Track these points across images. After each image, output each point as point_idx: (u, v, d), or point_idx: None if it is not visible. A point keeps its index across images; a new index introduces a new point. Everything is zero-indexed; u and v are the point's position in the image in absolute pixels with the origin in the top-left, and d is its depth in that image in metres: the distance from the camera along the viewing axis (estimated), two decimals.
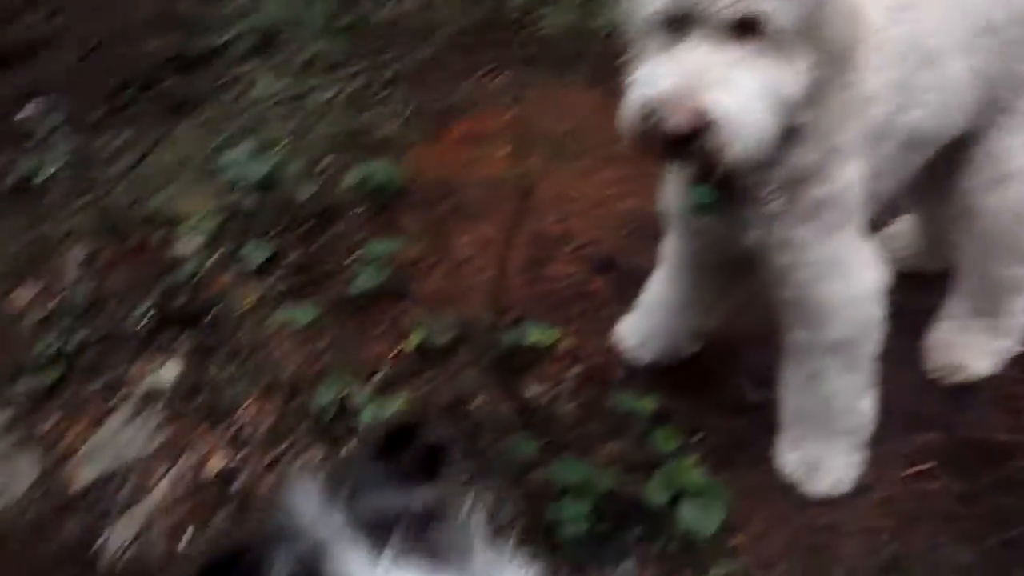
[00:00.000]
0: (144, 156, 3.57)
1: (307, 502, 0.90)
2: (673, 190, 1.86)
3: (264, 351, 2.43)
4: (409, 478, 0.96)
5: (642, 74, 1.41)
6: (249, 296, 2.61)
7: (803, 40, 1.39)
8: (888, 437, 2.03)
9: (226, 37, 4.34)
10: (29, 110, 4.02)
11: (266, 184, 2.74)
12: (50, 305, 2.83)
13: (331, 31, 4.01)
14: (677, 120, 1.33)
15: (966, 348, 2.11)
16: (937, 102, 1.68)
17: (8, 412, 2.54)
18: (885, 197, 1.87)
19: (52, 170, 3.51)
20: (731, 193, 1.63)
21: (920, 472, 1.97)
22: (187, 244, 2.87)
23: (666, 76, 1.37)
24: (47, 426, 2.46)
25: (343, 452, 2.15)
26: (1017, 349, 2.12)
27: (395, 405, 2.09)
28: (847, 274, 1.74)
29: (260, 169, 2.70)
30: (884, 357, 1.95)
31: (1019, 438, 2.01)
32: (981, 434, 2.03)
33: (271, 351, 2.43)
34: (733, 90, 1.35)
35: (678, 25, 1.39)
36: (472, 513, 0.97)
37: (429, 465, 0.99)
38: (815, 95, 1.47)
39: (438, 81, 3.56)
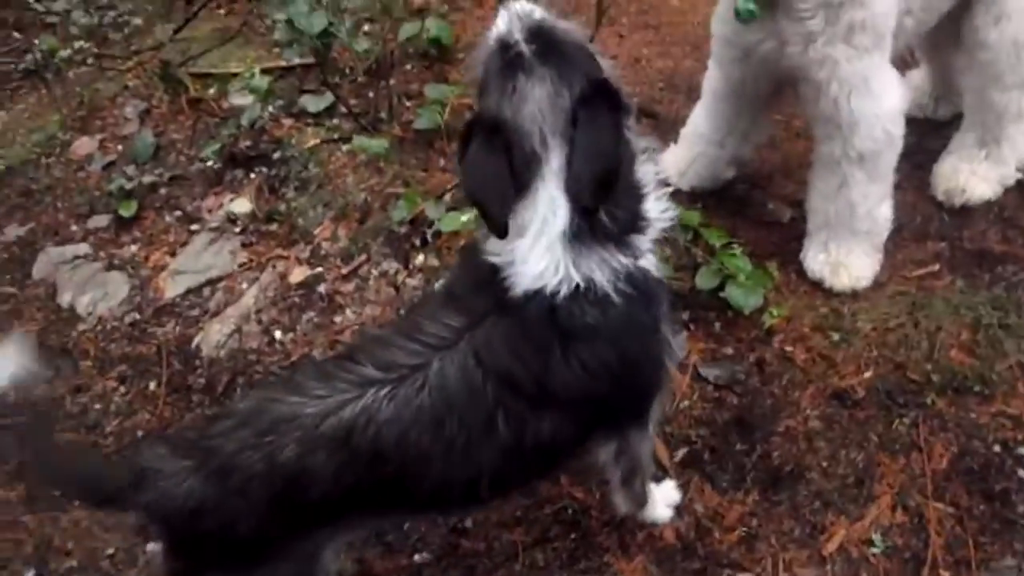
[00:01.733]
0: (180, 28, 3.84)
1: None
2: (723, 13, 2.21)
3: (334, 181, 2.76)
4: None
5: None
6: (312, 138, 2.93)
7: None
8: (900, 248, 2.45)
9: None
10: None
11: (323, 38, 3.02)
12: (114, 153, 3.13)
13: None
14: None
15: (970, 175, 2.52)
16: None
17: (87, 244, 2.84)
18: (910, 33, 2.24)
19: (78, 45, 3.78)
20: (773, 3, 1.99)
21: (928, 273, 2.37)
22: (243, 97, 3.17)
23: None
24: (129, 252, 2.78)
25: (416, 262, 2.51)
26: (1015, 177, 2.53)
27: (467, 218, 2.43)
28: (874, 92, 2.11)
29: (318, 23, 2.98)
30: (899, 185, 2.35)
31: (1012, 249, 2.42)
32: (980, 245, 2.44)
33: (341, 181, 2.76)
34: None
35: None
36: None
37: None
38: None
39: None
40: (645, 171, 1.46)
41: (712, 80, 2.44)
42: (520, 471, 1.52)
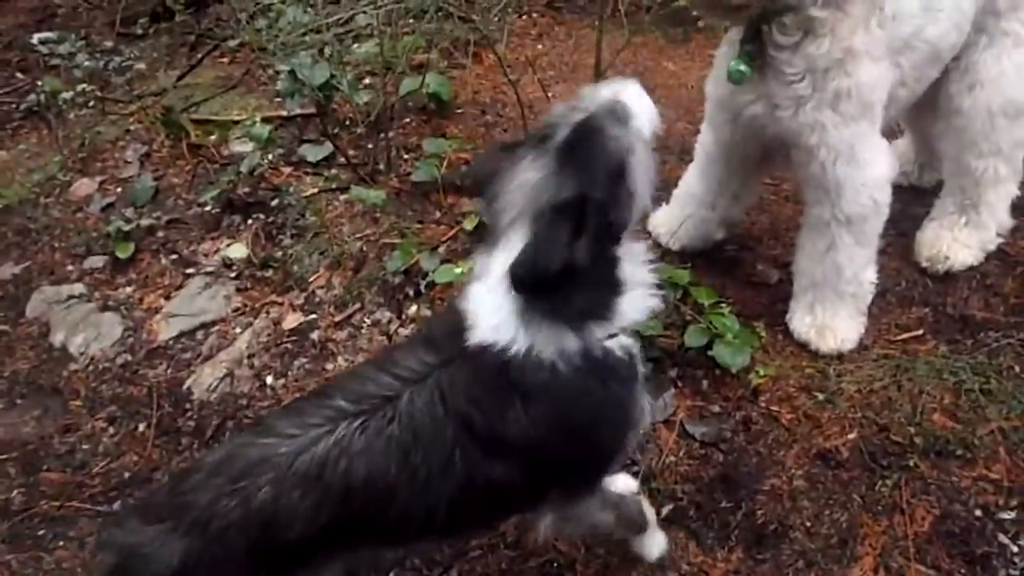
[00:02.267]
0: (183, 75, 3.92)
1: None
2: (718, 75, 2.29)
3: (331, 230, 2.82)
4: None
5: None
6: (310, 187, 2.99)
7: None
8: (884, 312, 2.51)
9: None
10: (44, 36, 4.37)
11: (324, 90, 3.10)
12: (113, 195, 3.18)
13: None
14: None
15: (952, 241, 2.59)
16: (951, 22, 2.16)
17: (82, 284, 2.87)
18: (903, 104, 2.33)
19: (81, 88, 3.86)
20: (763, 67, 2.07)
21: (911, 337, 2.43)
22: (243, 144, 3.24)
23: None
24: (124, 294, 2.82)
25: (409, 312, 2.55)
26: (996, 243, 2.60)
27: (461, 270, 2.48)
28: (860, 160, 2.19)
29: (320, 75, 3.06)
30: (884, 250, 2.43)
31: (994, 315, 2.48)
32: (963, 311, 2.50)
33: (338, 230, 2.81)
34: None
35: None
36: None
37: None
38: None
39: (465, 16, 3.96)
40: (632, 272, 1.51)
41: (705, 142, 2.52)
42: (474, 509, 1.54)
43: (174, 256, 2.91)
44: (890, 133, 2.69)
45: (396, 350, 1.74)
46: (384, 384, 1.47)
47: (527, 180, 1.42)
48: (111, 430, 2.43)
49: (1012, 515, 2.01)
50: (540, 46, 3.87)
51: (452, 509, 1.47)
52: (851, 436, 2.17)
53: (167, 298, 2.79)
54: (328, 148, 3.10)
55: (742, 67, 2.08)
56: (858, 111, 2.14)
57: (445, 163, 2.94)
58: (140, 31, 4.54)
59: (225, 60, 4.08)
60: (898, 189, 2.38)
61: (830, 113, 2.10)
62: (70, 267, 2.97)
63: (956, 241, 2.58)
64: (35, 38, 4.32)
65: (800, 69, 2.05)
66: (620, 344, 1.52)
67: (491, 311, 1.44)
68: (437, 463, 1.44)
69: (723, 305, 2.36)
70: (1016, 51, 2.31)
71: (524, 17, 4.01)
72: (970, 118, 2.39)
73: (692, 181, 2.62)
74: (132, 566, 1.39)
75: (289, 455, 1.40)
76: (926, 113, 2.66)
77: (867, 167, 2.19)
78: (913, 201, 2.75)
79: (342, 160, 3.06)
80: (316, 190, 2.99)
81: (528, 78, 3.44)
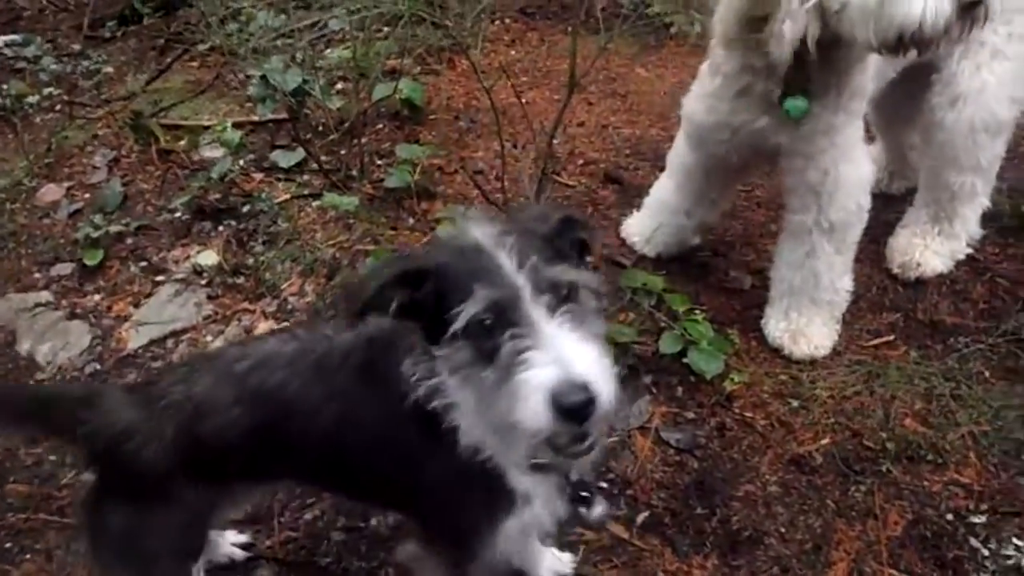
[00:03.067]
0: (153, 79, 3.89)
1: (495, 255, 1.21)
2: (710, 105, 2.26)
3: (303, 237, 2.80)
4: (571, 260, 1.30)
5: None
6: (283, 193, 2.97)
7: None
8: (857, 318, 2.54)
9: None
10: (9, 39, 4.32)
11: (297, 95, 3.09)
12: (81, 201, 3.14)
13: None
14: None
15: (924, 249, 2.62)
16: None
17: (49, 292, 2.83)
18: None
19: (47, 91, 3.82)
20: (814, 97, 2.05)
21: (883, 343, 2.46)
22: (213, 150, 3.21)
23: None
24: (92, 302, 2.78)
25: None
26: (966, 251, 2.64)
27: None
28: (857, 159, 2.21)
29: (292, 80, 3.05)
30: (856, 258, 2.45)
31: (964, 320, 2.52)
32: (933, 317, 2.53)
33: (310, 236, 2.80)
34: None
35: None
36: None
37: (580, 251, 1.35)
38: None
39: (438, 22, 3.96)
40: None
41: (684, 157, 2.51)
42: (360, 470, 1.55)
43: (144, 263, 2.87)
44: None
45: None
46: (320, 335, 1.55)
47: None
48: None
49: (983, 519, 2.03)
50: (513, 52, 3.88)
51: (339, 454, 1.51)
52: (824, 442, 2.19)
53: (136, 306, 2.75)
54: (300, 154, 3.08)
55: (799, 102, 2.04)
56: (861, 107, 2.17)
57: (418, 169, 2.93)
58: (108, 34, 4.50)
59: (195, 64, 4.05)
60: (871, 196, 2.41)
61: (843, 115, 2.12)
62: (37, 274, 2.92)
63: (928, 249, 2.61)
64: None
65: (835, 80, 2.06)
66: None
67: None
68: (330, 410, 1.47)
69: (697, 312, 2.38)
70: (995, 63, 2.33)
71: (497, 23, 4.01)
72: (952, 134, 2.40)
73: (667, 192, 2.62)
74: (91, 415, 1.51)
75: (236, 356, 1.54)
76: (900, 122, 2.70)
77: (860, 167, 2.22)
78: (884, 208, 2.77)
79: (315, 166, 3.05)
80: (288, 196, 2.97)
81: (501, 84, 3.44)
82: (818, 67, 2.00)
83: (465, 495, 1.46)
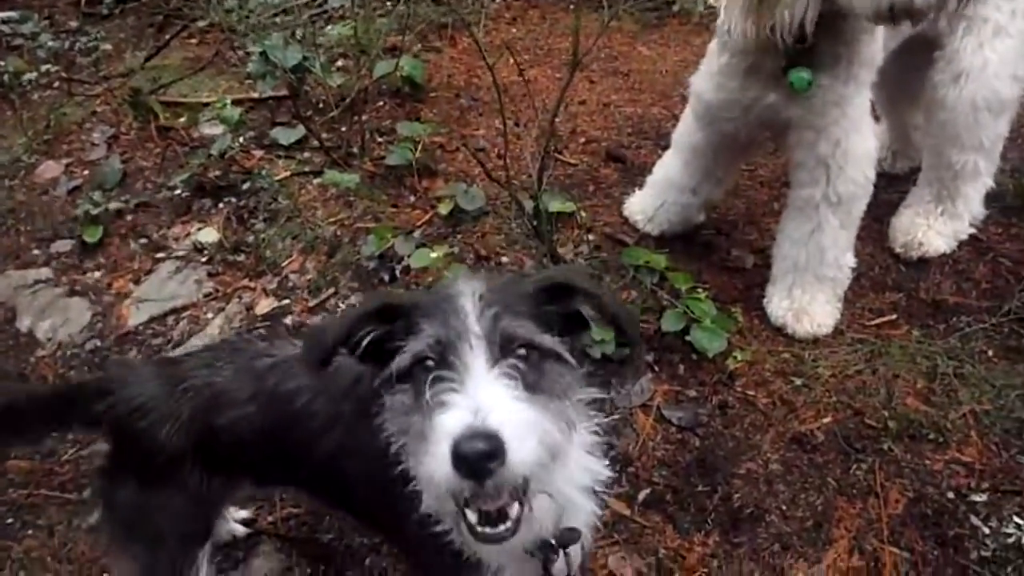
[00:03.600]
0: (151, 56, 3.86)
1: (462, 301, 1.14)
2: (718, 83, 2.25)
3: (304, 214, 2.79)
4: (547, 325, 1.17)
5: None
6: (283, 170, 2.96)
7: None
8: (859, 297, 2.53)
9: None
10: (6, 15, 4.28)
11: (297, 72, 3.07)
12: (80, 178, 3.12)
13: None
14: None
15: (927, 229, 2.61)
16: None
17: (49, 269, 2.82)
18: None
19: (45, 68, 3.80)
20: (822, 69, 2.05)
21: (885, 322, 2.45)
22: (213, 127, 3.19)
23: None
24: (92, 279, 2.77)
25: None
26: (968, 231, 2.63)
27: (437, 255, 2.47)
28: (866, 131, 2.21)
29: (292, 57, 3.03)
30: (858, 236, 2.44)
31: (966, 300, 2.51)
32: (935, 296, 2.53)
33: (311, 213, 2.78)
34: None
35: None
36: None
37: (567, 326, 1.21)
38: None
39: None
40: None
41: (692, 135, 2.49)
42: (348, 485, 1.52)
43: (144, 240, 2.86)
44: None
45: None
46: None
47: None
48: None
49: (984, 497, 2.04)
50: (514, 30, 3.85)
51: (338, 477, 1.48)
52: (826, 420, 2.19)
53: (137, 283, 2.74)
54: (301, 131, 3.07)
55: (804, 74, 2.04)
56: (870, 76, 2.16)
57: (419, 147, 2.92)
58: (106, 11, 4.46)
59: (194, 41, 4.02)
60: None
61: (852, 84, 2.11)
62: (36, 251, 2.91)
63: (931, 229, 2.60)
64: None
65: (844, 50, 2.06)
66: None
67: None
68: (343, 430, 1.44)
69: (700, 290, 2.37)
70: (997, 40, 2.32)
71: (499, 1, 3.98)
72: (954, 112, 2.39)
73: (672, 170, 2.60)
74: (110, 394, 1.52)
75: (257, 354, 1.53)
76: (904, 101, 2.68)
77: (868, 139, 2.22)
78: (887, 187, 2.77)
79: (315, 143, 3.03)
80: (288, 174, 2.95)
81: (503, 62, 3.42)
82: (825, 39, 1.99)
83: (436, 555, 1.35)
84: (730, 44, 2.16)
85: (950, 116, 2.41)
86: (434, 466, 1.04)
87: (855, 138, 2.15)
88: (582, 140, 3.09)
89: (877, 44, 2.11)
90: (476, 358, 1.10)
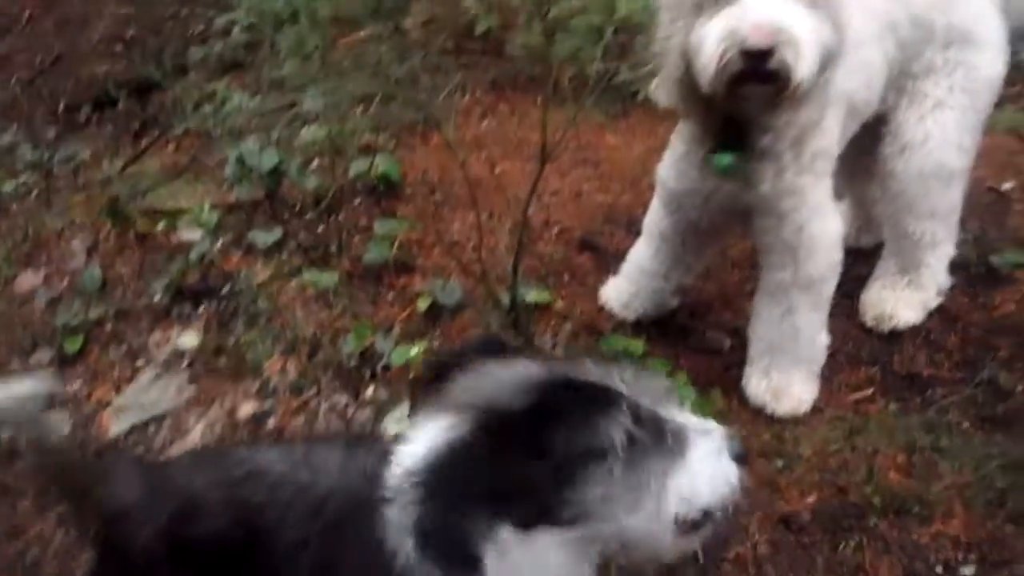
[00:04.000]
0: (128, 164, 3.92)
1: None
2: (677, 167, 2.35)
3: (284, 315, 2.81)
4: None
5: (715, 22, 1.88)
6: (262, 272, 3.00)
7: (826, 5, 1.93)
8: (835, 373, 2.57)
9: (191, 59, 4.74)
10: None
11: (273, 175, 3.14)
12: (59, 287, 3.15)
13: (300, 53, 4.41)
14: (758, 37, 1.82)
15: (896, 301, 2.68)
16: (862, 77, 2.27)
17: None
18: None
19: (23, 179, 3.86)
20: (752, 151, 2.13)
21: (863, 397, 2.49)
22: (192, 232, 3.24)
23: (745, 12, 1.85)
24: (72, 389, 2.77)
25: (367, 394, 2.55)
26: (937, 301, 2.70)
27: (417, 351, 2.50)
28: (829, 216, 2.28)
29: (268, 161, 3.10)
30: (831, 313, 2.50)
31: (940, 372, 2.56)
32: (910, 369, 2.58)
33: (291, 314, 2.81)
34: (798, 22, 1.86)
35: None
36: None
37: None
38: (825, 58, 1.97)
39: (412, 98, 4.04)
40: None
41: (660, 223, 2.56)
42: None
43: (124, 348, 2.87)
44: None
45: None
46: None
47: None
48: (62, 531, 2.36)
49: (972, 569, 2.05)
50: (485, 124, 3.95)
51: None
52: (811, 500, 2.20)
53: (117, 391, 2.75)
54: (279, 233, 3.11)
55: (728, 159, 2.13)
56: (828, 167, 2.25)
57: (396, 243, 2.97)
58: (83, 119, 4.55)
59: (171, 147, 4.09)
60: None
61: (808, 175, 2.19)
62: (16, 363, 2.90)
63: (900, 301, 2.67)
64: None
65: (785, 140, 2.13)
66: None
67: None
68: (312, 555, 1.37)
69: (678, 375, 2.40)
70: (938, 113, 2.43)
71: (469, 96, 4.09)
72: (905, 182, 2.49)
73: (644, 257, 2.67)
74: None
75: (234, 460, 1.49)
76: (862, 177, 2.77)
77: (832, 223, 2.29)
78: (855, 262, 2.82)
79: (293, 244, 3.07)
80: (268, 276, 2.99)
81: (476, 156, 3.52)
82: (765, 129, 2.08)
83: None
84: (686, 133, 2.25)
85: (902, 187, 2.50)
86: None
87: (818, 223, 2.22)
88: (556, 230, 3.16)
89: (830, 138, 2.18)
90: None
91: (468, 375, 1.25)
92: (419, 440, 1.26)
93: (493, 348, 1.33)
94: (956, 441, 2.31)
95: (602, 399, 1.18)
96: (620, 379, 1.21)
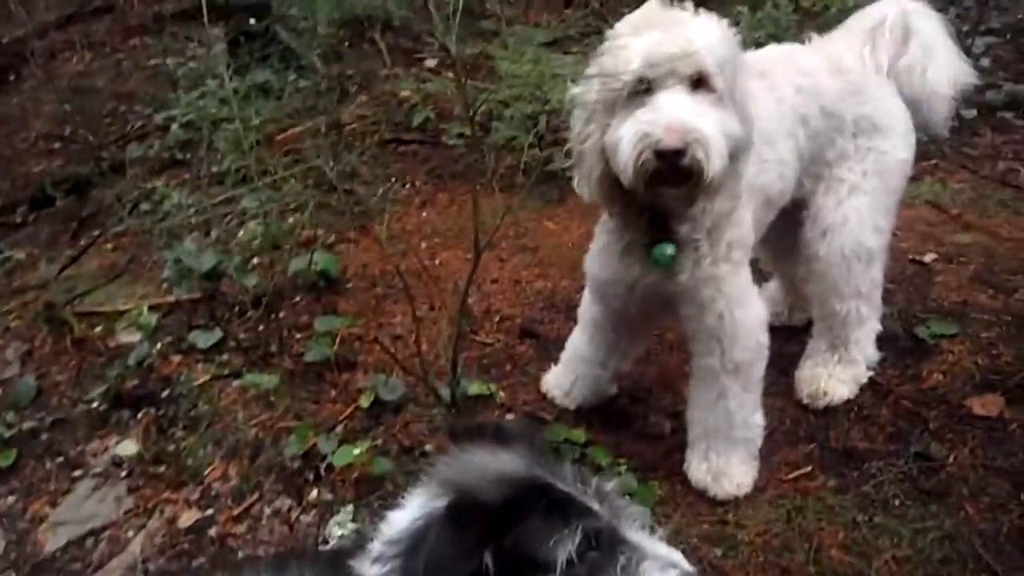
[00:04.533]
0: (66, 267, 3.90)
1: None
2: (603, 259, 2.42)
3: (225, 418, 2.79)
4: None
5: (628, 125, 1.96)
6: (202, 375, 2.98)
7: (731, 101, 2.03)
8: (774, 452, 2.62)
9: (129, 156, 4.75)
10: None
11: (211, 276, 3.15)
12: None
13: (239, 149, 4.45)
14: (671, 139, 1.90)
15: (828, 378, 2.75)
16: (776, 171, 2.38)
17: None
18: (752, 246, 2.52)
19: None
20: (678, 244, 2.21)
21: (802, 474, 2.54)
22: (130, 335, 3.22)
23: (656, 115, 1.94)
24: (6, 504, 2.70)
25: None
26: (868, 375, 2.78)
27: (360, 450, 2.50)
28: (749, 302, 2.35)
29: (207, 262, 3.11)
30: (767, 391, 2.56)
31: (873, 445, 2.62)
32: (845, 445, 2.63)
33: (232, 417, 2.79)
34: (706, 120, 1.95)
35: (646, 86, 1.97)
36: None
37: None
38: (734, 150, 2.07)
39: (355, 187, 4.10)
40: None
41: (593, 313, 2.63)
42: None
43: (60, 459, 2.82)
44: (760, 278, 2.89)
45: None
46: None
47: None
48: None
49: None
50: (424, 214, 4.02)
51: None
52: None
53: (53, 505, 2.69)
54: (219, 334, 3.11)
55: (667, 249, 2.19)
56: (745, 256, 2.32)
57: (338, 340, 2.98)
58: (19, 220, 4.52)
59: (109, 246, 4.08)
60: (773, 330, 2.53)
61: (725, 264, 2.26)
62: None
63: (832, 377, 2.74)
64: None
65: (703, 232, 2.21)
66: None
67: None
68: None
69: (620, 463, 2.43)
70: (854, 197, 2.54)
71: (408, 187, 4.16)
72: (827, 264, 2.59)
73: (581, 346, 2.71)
74: None
75: None
76: (789, 258, 2.87)
77: (754, 308, 2.35)
78: (788, 340, 2.91)
79: (233, 344, 3.07)
80: (208, 378, 2.97)
81: (416, 246, 3.57)
82: (682, 221, 2.17)
83: None
84: (608, 224, 2.32)
85: (825, 269, 2.60)
86: None
87: (739, 310, 2.29)
88: (497, 319, 3.20)
89: (744, 227, 2.27)
90: None
91: (460, 456, 1.33)
92: (408, 508, 1.30)
93: (517, 434, 1.38)
94: (893, 515, 2.36)
95: (564, 513, 1.22)
96: (596, 493, 1.26)
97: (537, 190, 3.92)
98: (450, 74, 4.39)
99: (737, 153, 2.08)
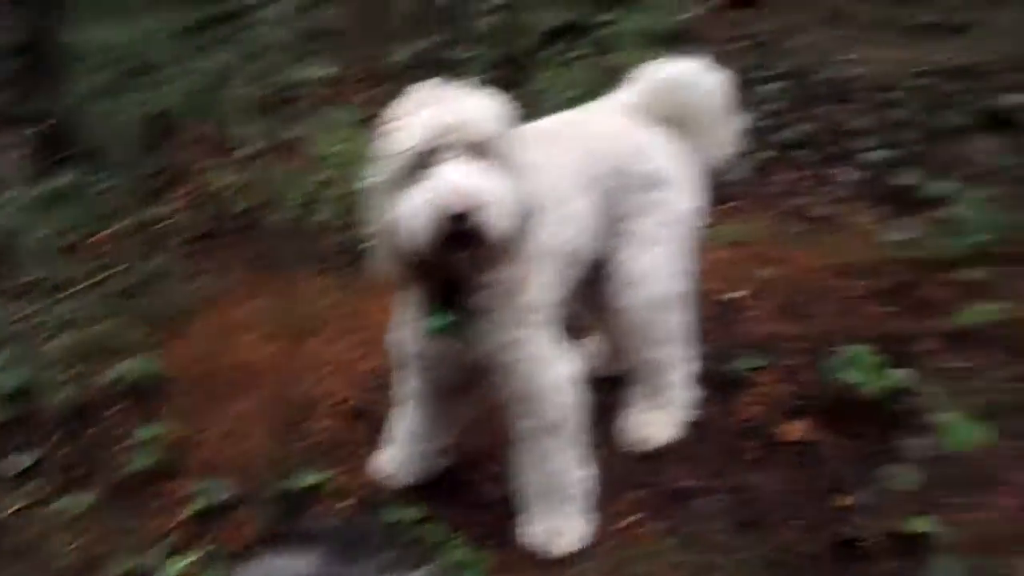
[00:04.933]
0: None
1: None
2: (410, 335, 2.46)
3: (42, 548, 2.64)
4: None
5: (414, 195, 2.02)
6: (14, 503, 2.81)
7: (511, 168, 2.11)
8: (607, 502, 2.69)
9: None
10: None
11: (17, 396, 2.99)
12: None
13: (48, 254, 4.29)
14: (454, 203, 1.96)
15: (649, 424, 2.87)
16: (576, 228, 2.50)
17: None
18: (562, 304, 2.61)
19: None
20: (464, 311, 2.27)
21: (634, 521, 2.62)
22: None
23: (437, 182, 2.00)
24: None
25: None
26: (686, 416, 2.91)
27: (188, 561, 2.41)
28: (554, 362, 2.42)
29: (9, 380, 2.97)
30: (597, 442, 2.64)
31: (699, 483, 2.74)
32: (672, 485, 2.74)
33: (48, 546, 2.64)
34: (487, 185, 2.02)
35: (427, 158, 2.03)
36: None
37: None
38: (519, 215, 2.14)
39: (171, 286, 4.01)
40: None
41: (411, 388, 2.66)
42: None
43: None
44: (580, 331, 2.99)
45: None
46: None
47: None
48: None
49: None
50: (254, 303, 3.95)
51: None
52: None
53: None
54: (33, 456, 2.95)
55: (440, 321, 2.26)
56: (543, 319, 2.39)
57: (164, 447, 2.89)
58: None
59: None
60: (596, 381, 2.62)
61: (524, 328, 2.33)
62: None
63: (653, 423, 2.86)
64: None
65: (496, 297, 2.28)
66: None
67: None
68: None
69: (455, 536, 2.44)
70: (650, 248, 2.69)
71: (232, 277, 4.10)
72: (634, 314, 2.71)
73: (404, 422, 2.74)
74: None
75: None
76: (599, 311, 2.99)
77: (558, 368, 2.42)
78: (613, 389, 3.01)
79: (48, 466, 2.92)
80: (21, 506, 2.81)
81: (244, 338, 3.51)
82: (477, 288, 2.24)
83: None
84: (406, 299, 2.38)
85: (632, 318, 2.73)
86: None
87: (544, 372, 2.37)
88: (329, 403, 3.18)
89: (540, 291, 2.36)
90: None
91: (263, 563, 1.30)
92: None
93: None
94: (717, 550, 2.46)
95: None
96: None
97: (360, 270, 3.93)
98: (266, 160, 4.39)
99: (526, 218, 2.17)
